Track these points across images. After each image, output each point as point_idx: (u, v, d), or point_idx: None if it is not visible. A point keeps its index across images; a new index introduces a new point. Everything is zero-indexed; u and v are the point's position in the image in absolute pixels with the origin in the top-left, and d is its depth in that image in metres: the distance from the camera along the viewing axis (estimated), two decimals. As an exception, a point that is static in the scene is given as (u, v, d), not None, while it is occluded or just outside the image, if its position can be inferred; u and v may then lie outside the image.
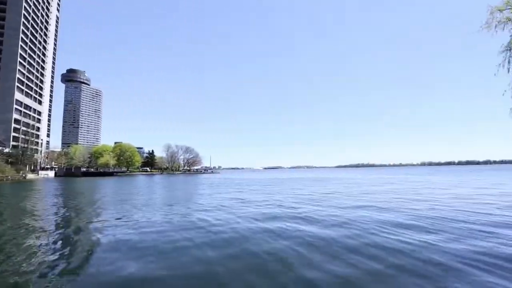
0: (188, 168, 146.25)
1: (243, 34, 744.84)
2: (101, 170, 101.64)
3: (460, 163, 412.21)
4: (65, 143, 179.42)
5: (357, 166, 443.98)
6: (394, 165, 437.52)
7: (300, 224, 9.82)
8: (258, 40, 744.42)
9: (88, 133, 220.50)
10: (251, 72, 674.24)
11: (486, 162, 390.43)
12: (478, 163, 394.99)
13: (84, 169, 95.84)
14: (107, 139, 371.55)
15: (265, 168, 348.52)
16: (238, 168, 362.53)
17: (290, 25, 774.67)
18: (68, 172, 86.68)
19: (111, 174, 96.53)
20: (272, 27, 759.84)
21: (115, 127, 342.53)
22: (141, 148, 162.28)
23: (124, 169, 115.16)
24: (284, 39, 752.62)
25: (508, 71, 9.56)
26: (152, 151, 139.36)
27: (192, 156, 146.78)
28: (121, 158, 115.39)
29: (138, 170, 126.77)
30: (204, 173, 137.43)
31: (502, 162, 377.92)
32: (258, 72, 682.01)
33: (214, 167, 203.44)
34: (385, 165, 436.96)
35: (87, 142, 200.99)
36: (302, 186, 31.20)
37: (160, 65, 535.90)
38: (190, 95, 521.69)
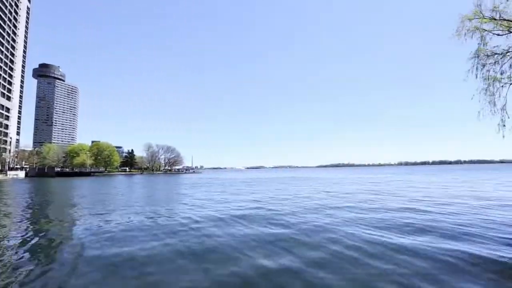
0: (169, 168, 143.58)
1: (229, 35, 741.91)
2: (77, 170, 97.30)
3: (434, 162, 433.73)
4: (38, 142, 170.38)
5: (337, 166, 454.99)
6: (373, 165, 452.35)
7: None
8: (243, 42, 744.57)
9: (63, 131, 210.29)
10: (234, 73, 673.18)
11: (457, 162, 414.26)
12: (450, 162, 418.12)
13: (59, 169, 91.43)
14: (84, 138, 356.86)
15: (247, 168, 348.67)
16: (220, 168, 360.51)
17: (267, 32, 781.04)
18: (41, 172, 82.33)
19: (88, 174, 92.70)
20: (258, 31, 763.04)
21: (93, 126, 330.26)
22: (120, 147, 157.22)
23: (102, 169, 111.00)
24: (262, 45, 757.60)
25: (476, 77, 10.14)
26: (132, 150, 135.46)
27: (173, 155, 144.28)
28: (99, 157, 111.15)
29: (117, 170, 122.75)
30: (185, 173, 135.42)
31: (471, 162, 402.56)
32: (241, 74, 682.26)
33: (196, 167, 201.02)
34: (364, 165, 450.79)
35: (62, 141, 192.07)
36: (293, 186, 31.00)
37: (142, 64, 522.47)
38: (172, 95, 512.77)
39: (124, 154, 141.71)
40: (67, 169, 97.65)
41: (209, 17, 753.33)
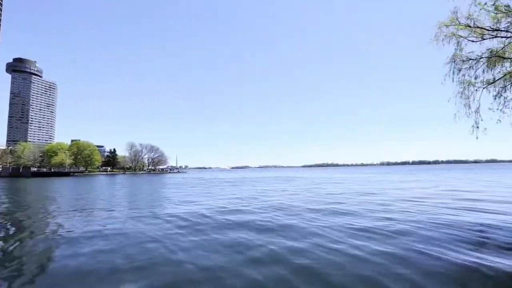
0: (153, 168, 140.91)
1: (214, 35, 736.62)
2: (55, 170, 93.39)
3: (413, 162, 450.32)
4: (12, 140, 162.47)
5: (321, 165, 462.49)
6: (356, 165, 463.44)
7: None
8: (226, 42, 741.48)
9: (40, 129, 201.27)
10: (219, 73, 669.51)
11: (435, 162, 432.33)
12: (429, 162, 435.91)
13: (35, 169, 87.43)
14: (63, 137, 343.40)
15: (232, 168, 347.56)
16: (205, 168, 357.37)
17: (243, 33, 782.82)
18: (15, 173, 78.41)
19: (67, 174, 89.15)
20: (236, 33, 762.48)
21: (73, 125, 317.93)
22: (101, 146, 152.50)
23: (82, 168, 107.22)
24: (245, 45, 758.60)
25: (453, 80, 10.62)
26: (114, 149, 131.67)
27: (157, 155, 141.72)
28: (79, 157, 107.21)
29: (98, 170, 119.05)
30: (170, 172, 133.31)
31: (448, 162, 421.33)
32: (226, 73, 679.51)
33: (180, 167, 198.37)
34: (347, 165, 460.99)
35: (39, 140, 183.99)
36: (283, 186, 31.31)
37: (126, 63, 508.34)
38: (157, 95, 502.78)
39: (106, 154, 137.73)
40: (44, 169, 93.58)
41: (194, 17, 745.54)
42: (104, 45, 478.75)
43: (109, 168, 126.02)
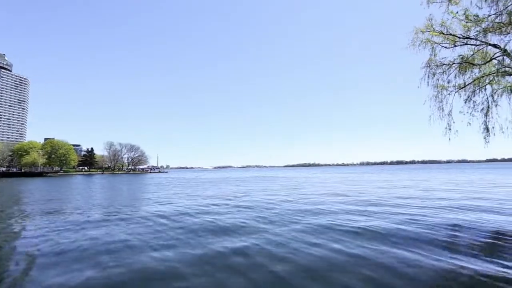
0: (133, 168, 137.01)
1: (194, 35, 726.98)
2: (26, 170, 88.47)
3: (391, 162, 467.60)
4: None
5: (303, 165, 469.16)
6: (337, 165, 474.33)
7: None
8: (208, 41, 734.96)
9: (9, 127, 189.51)
10: (202, 73, 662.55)
11: (412, 162, 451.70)
12: (406, 162, 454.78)
13: (3, 169, 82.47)
14: (35, 135, 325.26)
15: (214, 168, 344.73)
16: (187, 168, 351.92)
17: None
18: (-19, 173, 73.67)
19: (39, 174, 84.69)
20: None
21: (47, 123, 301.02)
22: (78, 145, 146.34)
23: (57, 168, 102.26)
24: (230, 45, 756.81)
25: (428, 84, 11.15)
26: (92, 149, 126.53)
27: (137, 154, 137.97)
28: (53, 156, 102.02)
29: (74, 170, 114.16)
30: (151, 172, 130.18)
31: (423, 162, 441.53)
32: (209, 73, 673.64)
33: (161, 167, 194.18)
34: (329, 165, 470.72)
35: (8, 138, 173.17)
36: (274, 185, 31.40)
37: (105, 62, 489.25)
38: (138, 94, 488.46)
39: (83, 153, 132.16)
40: (14, 169, 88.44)
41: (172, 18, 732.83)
42: (82, 42, 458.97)
43: (86, 168, 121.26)
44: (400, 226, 8.37)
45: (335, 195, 17.67)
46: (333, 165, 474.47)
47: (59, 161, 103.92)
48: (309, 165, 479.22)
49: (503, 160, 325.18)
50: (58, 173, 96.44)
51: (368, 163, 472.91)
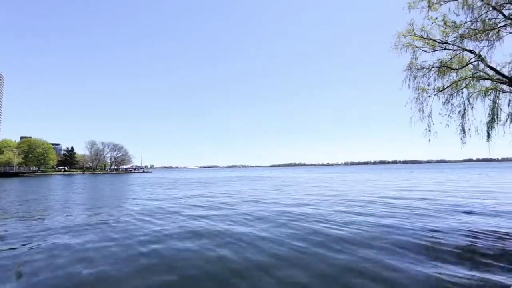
0: (116, 167, 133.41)
1: (178, 36, 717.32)
2: (0, 170, 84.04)
3: (375, 162, 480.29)
4: None
5: (289, 165, 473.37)
6: (322, 165, 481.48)
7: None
8: (192, 43, 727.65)
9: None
10: (198, 72, 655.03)
11: (394, 162, 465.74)
12: (388, 162, 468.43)
13: (-25, 169, 78.07)
14: (10, 133, 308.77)
15: (200, 167, 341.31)
16: (172, 167, 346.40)
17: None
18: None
19: (15, 174, 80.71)
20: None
21: (24, 121, 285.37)
22: (57, 144, 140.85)
23: (34, 168, 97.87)
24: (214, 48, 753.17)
25: (409, 87, 11.57)
26: (72, 148, 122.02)
27: (120, 154, 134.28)
28: (30, 155, 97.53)
29: (53, 169, 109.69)
30: (134, 172, 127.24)
31: (405, 162, 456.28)
32: (193, 72, 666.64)
33: (146, 166, 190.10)
34: (314, 165, 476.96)
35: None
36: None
37: (88, 59, 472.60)
38: (121, 93, 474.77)
39: (63, 152, 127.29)
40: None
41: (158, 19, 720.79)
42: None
43: (65, 167, 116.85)
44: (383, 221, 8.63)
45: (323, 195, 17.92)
46: (318, 165, 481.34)
47: (37, 161, 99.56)
48: (295, 165, 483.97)
49: (478, 160, 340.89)
50: (36, 173, 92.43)
51: (352, 163, 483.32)
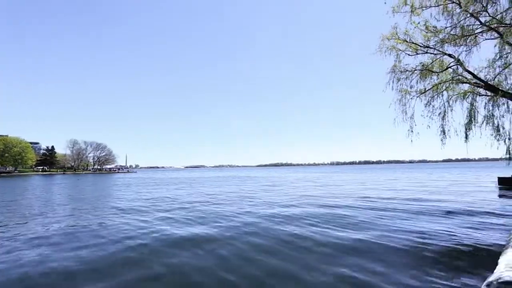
0: (99, 167, 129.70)
1: (167, 35, 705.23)
2: (-27, 170, 79.93)
3: (360, 162, 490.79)
4: None
5: (276, 165, 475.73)
6: (309, 164, 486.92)
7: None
8: (184, 42, 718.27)
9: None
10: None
11: (378, 162, 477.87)
12: (372, 162, 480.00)
13: None
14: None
15: (186, 167, 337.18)
16: (157, 167, 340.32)
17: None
18: None
19: (-11, 175, 77.11)
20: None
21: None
22: (36, 143, 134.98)
23: (10, 168, 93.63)
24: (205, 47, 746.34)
25: (392, 89, 11.92)
26: (52, 147, 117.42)
27: (104, 153, 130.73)
28: (6, 155, 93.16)
29: (31, 169, 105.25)
30: (118, 172, 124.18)
31: (388, 162, 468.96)
32: (181, 72, 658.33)
33: (130, 166, 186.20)
34: (301, 165, 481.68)
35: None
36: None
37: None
38: (105, 93, 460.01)
39: (42, 152, 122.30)
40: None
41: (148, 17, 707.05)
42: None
43: (45, 167, 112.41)
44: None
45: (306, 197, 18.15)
46: (305, 164, 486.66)
47: (13, 161, 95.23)
48: (282, 164, 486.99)
49: (457, 160, 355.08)
50: (12, 174, 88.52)
51: (338, 163, 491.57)
